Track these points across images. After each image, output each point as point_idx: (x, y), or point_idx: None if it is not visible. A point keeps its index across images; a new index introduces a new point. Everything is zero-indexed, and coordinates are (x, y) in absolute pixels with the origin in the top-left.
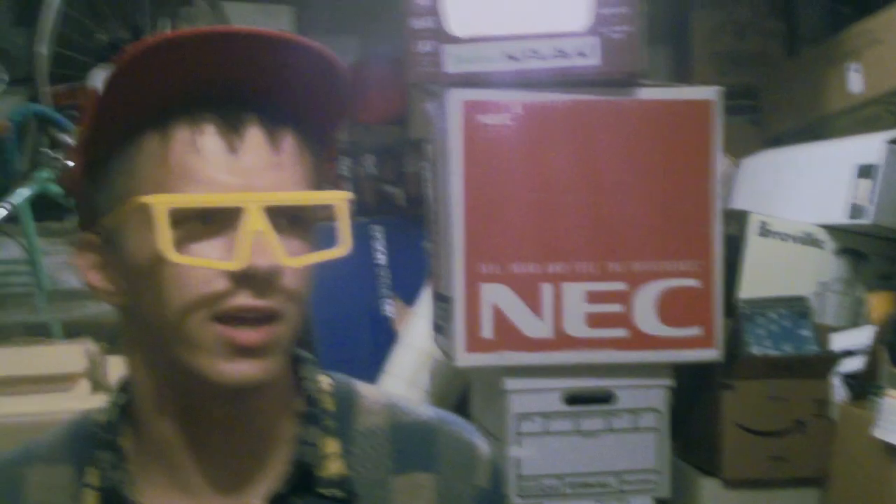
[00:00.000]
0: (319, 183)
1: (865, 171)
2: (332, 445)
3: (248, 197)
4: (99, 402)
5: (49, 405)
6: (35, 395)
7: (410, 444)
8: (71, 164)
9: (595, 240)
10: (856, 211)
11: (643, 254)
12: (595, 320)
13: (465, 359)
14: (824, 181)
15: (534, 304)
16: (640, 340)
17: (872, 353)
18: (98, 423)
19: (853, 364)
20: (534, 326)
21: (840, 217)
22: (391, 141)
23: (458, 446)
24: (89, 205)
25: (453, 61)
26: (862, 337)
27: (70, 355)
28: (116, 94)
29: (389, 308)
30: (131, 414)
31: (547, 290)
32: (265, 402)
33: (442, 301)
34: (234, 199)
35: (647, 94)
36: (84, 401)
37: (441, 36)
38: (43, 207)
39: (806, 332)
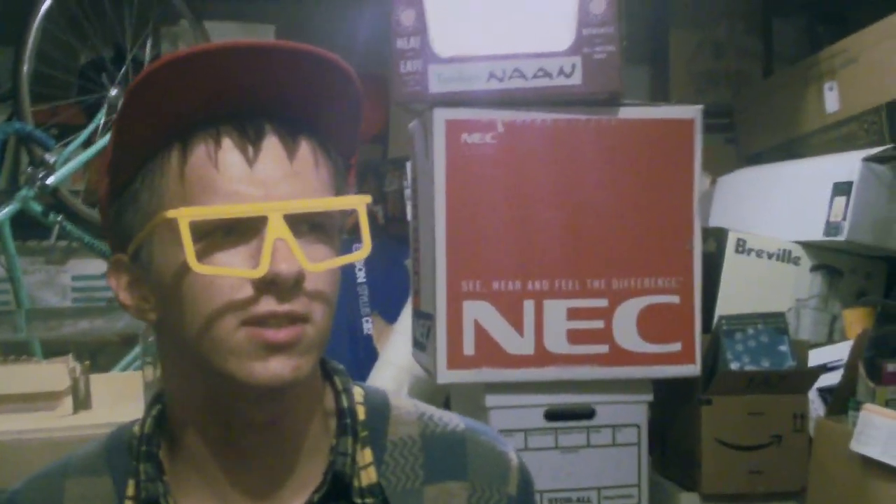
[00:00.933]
0: (338, 189)
1: (841, 189)
2: (365, 455)
3: (269, 206)
4: (81, 420)
5: (32, 423)
6: (18, 413)
7: (442, 453)
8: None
9: (576, 257)
10: (832, 228)
11: (623, 271)
12: (575, 337)
13: (447, 375)
14: (801, 199)
15: (515, 321)
16: (620, 356)
17: (849, 368)
18: (135, 435)
19: (830, 379)
20: (515, 343)
21: (816, 234)
22: (371, 159)
23: (489, 455)
24: (118, 226)
25: (437, 81)
26: (838, 352)
27: (53, 373)
28: (136, 113)
29: (369, 325)
30: (166, 425)
31: (528, 306)
32: (298, 408)
33: (423, 318)
34: (255, 209)
35: (629, 112)
36: (67, 419)
37: (426, 56)
38: (23, 226)
39: (783, 348)
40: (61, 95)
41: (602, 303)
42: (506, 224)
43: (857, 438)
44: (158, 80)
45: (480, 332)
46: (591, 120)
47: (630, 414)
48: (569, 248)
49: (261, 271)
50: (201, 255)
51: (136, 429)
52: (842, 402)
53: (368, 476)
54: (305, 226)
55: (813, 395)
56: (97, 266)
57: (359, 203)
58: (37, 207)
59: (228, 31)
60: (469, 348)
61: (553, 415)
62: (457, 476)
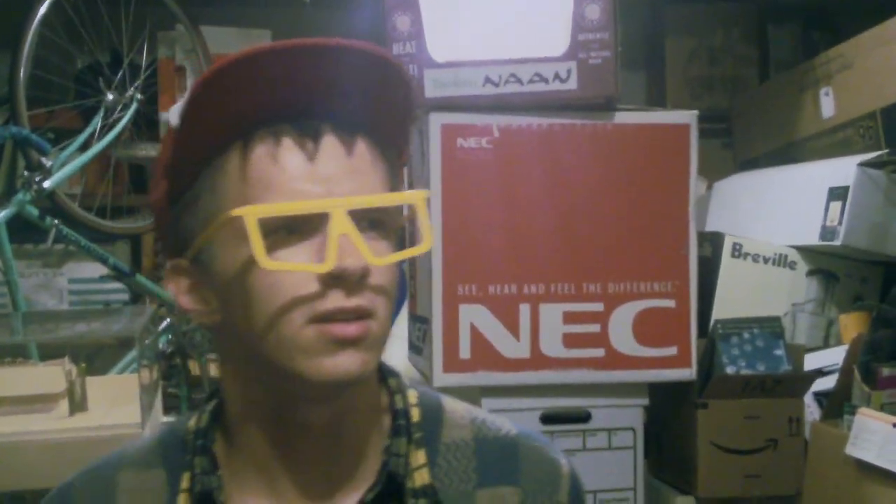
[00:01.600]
0: (392, 186)
1: (837, 194)
2: (419, 457)
3: (333, 202)
4: (77, 422)
5: (28, 426)
6: (14, 415)
7: (495, 458)
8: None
9: (572, 261)
10: (827, 233)
11: (619, 275)
12: (571, 340)
13: (443, 379)
14: (797, 203)
15: (511, 325)
16: (616, 360)
17: (845, 373)
18: (190, 430)
19: (826, 383)
20: (511, 347)
21: (812, 239)
22: None
23: (541, 462)
24: (176, 231)
25: (433, 86)
26: (834, 356)
27: (49, 376)
28: (198, 116)
29: None
30: (223, 421)
31: (524, 310)
32: (356, 408)
33: (420, 322)
34: (320, 206)
35: (624, 118)
36: (63, 422)
37: (421, 61)
38: (20, 229)
39: (779, 352)
40: (58, 100)
41: (598, 307)
42: (501, 228)
43: (853, 442)
44: (224, 78)
45: (476, 336)
46: (587, 125)
47: (626, 418)
48: (564, 252)
49: (328, 266)
50: (267, 253)
51: (192, 423)
52: (837, 406)
53: (422, 477)
54: (365, 222)
55: (809, 399)
56: (94, 269)
57: (418, 199)
58: (33, 211)
59: (225, 36)
60: (465, 352)
61: (549, 418)
62: (509, 481)
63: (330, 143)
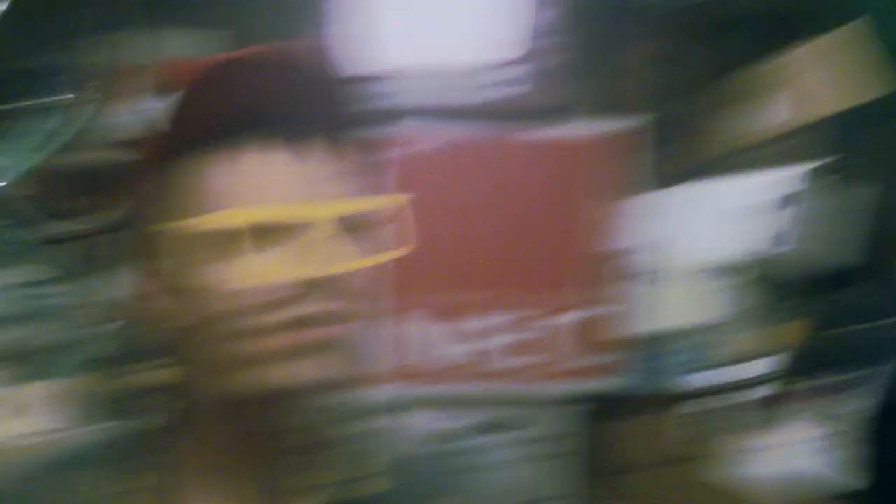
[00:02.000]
0: (369, 190)
1: (783, 202)
2: (377, 461)
3: (315, 206)
4: (16, 428)
5: None
6: None
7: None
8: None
9: (513, 271)
10: (773, 241)
11: (558, 285)
12: (510, 350)
13: (385, 389)
14: (744, 211)
15: (453, 335)
16: (555, 370)
17: (776, 384)
18: (150, 430)
19: (760, 393)
20: (452, 356)
21: (758, 247)
22: None
23: None
24: (148, 234)
25: None
26: (768, 367)
27: None
28: (178, 122)
29: None
30: (183, 422)
31: (465, 320)
32: (321, 413)
33: None
34: (302, 211)
35: (573, 125)
36: (5, 426)
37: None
38: None
39: (712, 364)
40: (12, 99)
41: (537, 316)
42: (445, 237)
43: (782, 455)
44: (204, 85)
45: (417, 346)
46: (535, 132)
47: (563, 426)
48: (506, 263)
49: (307, 271)
50: (245, 256)
51: (152, 423)
52: (768, 416)
53: (381, 482)
54: (345, 225)
55: (741, 409)
56: (39, 272)
57: (399, 202)
58: None
59: (181, 38)
60: (404, 362)
61: (487, 427)
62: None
63: (312, 147)
